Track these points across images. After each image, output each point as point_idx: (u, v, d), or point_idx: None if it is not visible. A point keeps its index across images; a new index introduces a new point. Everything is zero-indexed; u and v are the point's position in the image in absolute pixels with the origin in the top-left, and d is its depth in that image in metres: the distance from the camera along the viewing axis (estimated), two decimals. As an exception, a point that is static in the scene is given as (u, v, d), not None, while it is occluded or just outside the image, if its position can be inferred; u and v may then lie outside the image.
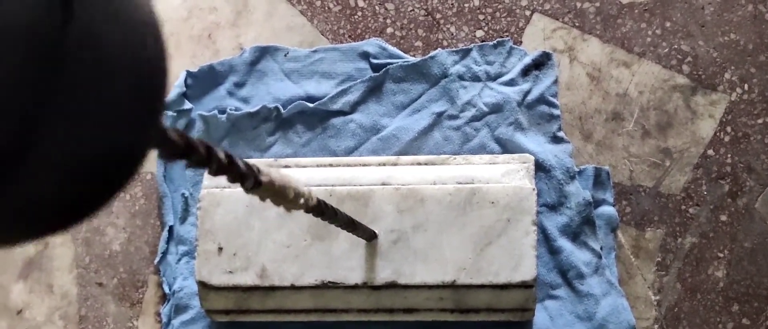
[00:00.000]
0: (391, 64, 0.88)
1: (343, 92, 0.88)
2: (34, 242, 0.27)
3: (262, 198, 0.44)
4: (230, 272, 0.79)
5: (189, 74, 0.90)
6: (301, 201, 0.48)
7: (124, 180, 0.27)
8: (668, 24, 0.88)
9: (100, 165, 0.25)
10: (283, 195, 0.45)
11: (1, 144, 0.20)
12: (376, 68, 0.89)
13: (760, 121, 0.86)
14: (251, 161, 0.43)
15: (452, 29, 0.90)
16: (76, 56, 0.21)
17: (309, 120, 0.88)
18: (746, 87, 0.86)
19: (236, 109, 0.89)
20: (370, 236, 0.76)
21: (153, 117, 0.27)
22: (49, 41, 0.21)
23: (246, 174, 0.40)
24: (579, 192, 0.83)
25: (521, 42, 0.89)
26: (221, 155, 0.37)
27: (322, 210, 0.54)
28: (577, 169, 0.84)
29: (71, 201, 0.25)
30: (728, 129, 0.86)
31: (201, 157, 0.35)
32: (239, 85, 0.90)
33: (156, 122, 0.27)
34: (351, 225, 0.64)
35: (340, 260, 0.78)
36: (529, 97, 0.86)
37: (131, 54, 0.24)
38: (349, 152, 0.87)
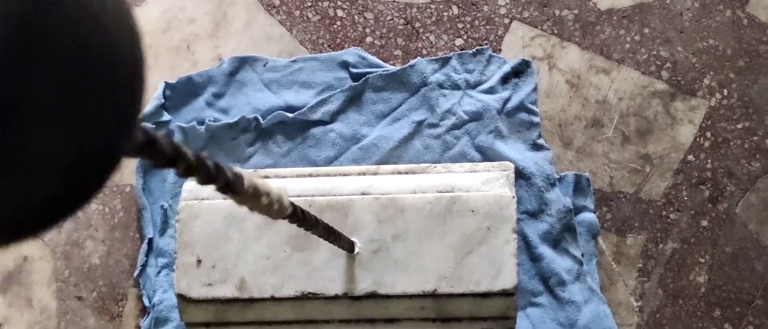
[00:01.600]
0: (371, 73, 0.88)
1: (323, 102, 0.88)
2: (7, 246, 0.26)
3: (235, 200, 0.43)
4: (209, 284, 0.79)
5: (167, 85, 0.90)
6: (276, 206, 0.47)
7: (98, 182, 0.26)
8: (647, 30, 0.88)
9: (74, 162, 0.24)
10: (255, 197, 0.44)
11: None
12: (355, 77, 0.89)
13: (739, 126, 0.86)
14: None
15: (431, 38, 0.90)
16: (51, 41, 0.21)
17: (289, 130, 0.88)
18: (725, 92, 0.87)
19: (215, 120, 0.88)
20: (349, 246, 0.75)
21: (133, 114, 0.26)
22: (22, 24, 0.20)
23: (214, 174, 0.39)
24: (559, 199, 0.83)
25: (500, 50, 0.89)
26: (189, 154, 0.35)
27: (299, 216, 0.53)
28: (557, 176, 0.84)
29: (44, 200, 0.25)
30: (708, 134, 0.86)
31: (166, 154, 0.32)
32: (218, 95, 0.90)
33: (135, 120, 0.26)
34: (331, 233, 0.63)
35: (321, 271, 0.78)
36: (509, 105, 0.86)
37: (108, 44, 0.24)
38: (330, 162, 0.87)
